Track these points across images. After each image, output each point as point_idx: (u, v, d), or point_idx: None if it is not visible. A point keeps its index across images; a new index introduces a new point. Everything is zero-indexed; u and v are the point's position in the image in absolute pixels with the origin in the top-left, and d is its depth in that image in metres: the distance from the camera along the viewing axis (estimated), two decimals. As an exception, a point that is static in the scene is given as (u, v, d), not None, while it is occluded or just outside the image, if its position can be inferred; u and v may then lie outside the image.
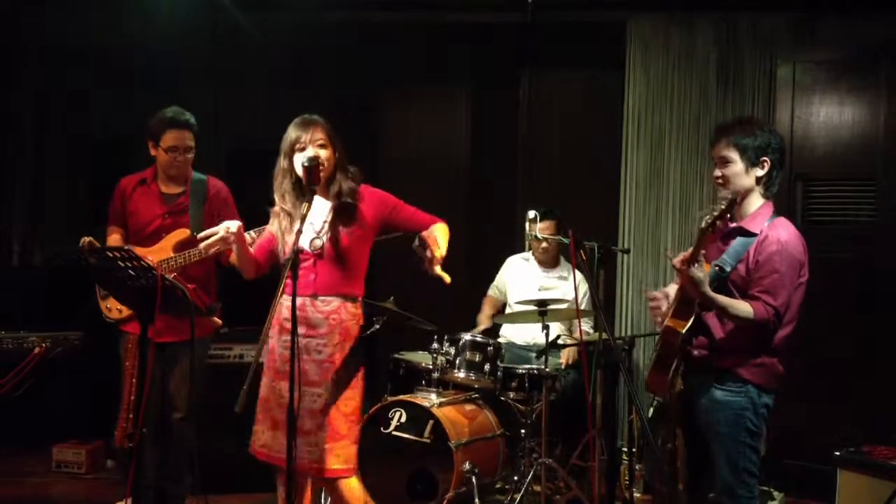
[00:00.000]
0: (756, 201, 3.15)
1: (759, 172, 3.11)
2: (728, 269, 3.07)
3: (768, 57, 5.59)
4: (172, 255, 3.88)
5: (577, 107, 6.37)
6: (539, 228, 4.98)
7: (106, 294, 3.94)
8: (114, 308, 3.93)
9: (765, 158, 3.10)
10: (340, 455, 3.19)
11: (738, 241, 3.10)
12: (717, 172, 3.16)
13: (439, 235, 3.27)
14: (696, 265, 2.94)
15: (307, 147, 3.21)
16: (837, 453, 3.98)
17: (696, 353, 3.14)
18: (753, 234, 3.08)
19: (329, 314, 3.21)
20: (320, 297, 3.21)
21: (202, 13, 5.93)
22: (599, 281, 4.03)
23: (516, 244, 5.44)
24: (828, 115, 5.13)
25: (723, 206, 2.91)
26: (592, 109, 6.31)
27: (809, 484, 4.77)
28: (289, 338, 3.15)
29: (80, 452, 5.22)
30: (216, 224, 3.94)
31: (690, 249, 2.96)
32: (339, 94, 5.94)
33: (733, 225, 3.15)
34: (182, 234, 3.96)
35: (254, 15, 6.11)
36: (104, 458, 5.33)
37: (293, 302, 2.95)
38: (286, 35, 6.20)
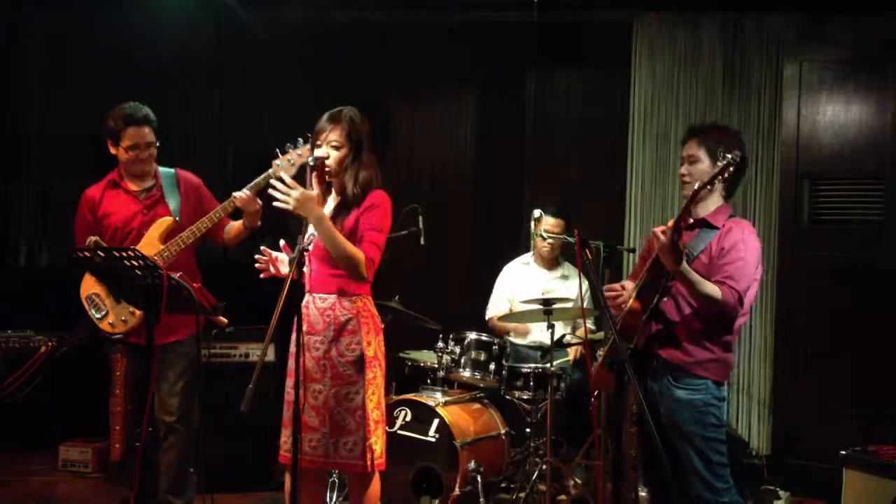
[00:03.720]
0: (716, 201, 3.27)
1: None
2: (692, 256, 3.15)
3: (775, 56, 5.57)
4: (163, 246, 3.83)
5: (582, 106, 6.38)
6: (549, 224, 4.98)
7: (104, 313, 3.82)
8: (117, 321, 3.80)
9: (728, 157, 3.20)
10: (351, 450, 3.19)
11: (702, 232, 3.21)
12: (684, 170, 3.30)
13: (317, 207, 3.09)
14: (679, 234, 3.00)
15: (322, 145, 3.21)
16: (843, 452, 3.97)
17: (654, 347, 3.19)
18: (716, 227, 3.19)
19: (324, 311, 3.22)
20: (316, 294, 3.22)
21: (207, 13, 5.94)
22: (605, 280, 4.02)
23: (522, 243, 5.44)
24: (835, 114, 5.11)
25: (723, 164, 2.96)
26: (598, 108, 6.31)
27: (815, 483, 4.76)
28: (295, 336, 3.19)
29: (86, 451, 5.24)
30: (196, 212, 3.94)
31: (672, 220, 3.00)
32: (343, 94, 5.89)
33: (697, 218, 3.25)
34: (165, 223, 3.90)
35: (259, 15, 6.12)
36: (110, 458, 5.34)
37: (299, 300, 2.96)
38: (291, 35, 6.21)
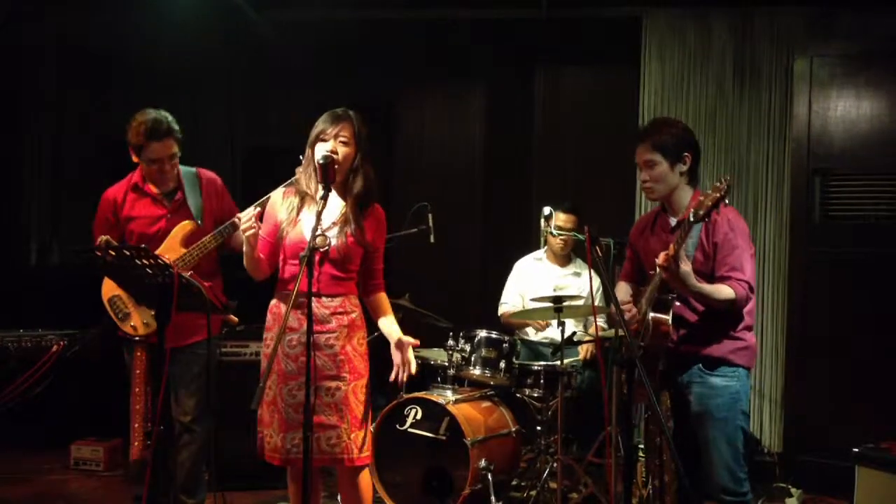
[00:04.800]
0: (686, 193, 3.30)
1: (683, 167, 3.28)
2: (688, 257, 3.15)
3: (785, 51, 5.56)
4: (184, 250, 3.81)
5: (592, 103, 6.36)
6: (561, 220, 4.97)
7: (125, 314, 3.82)
8: (140, 324, 3.79)
9: (686, 154, 3.26)
10: (363, 441, 3.24)
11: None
12: (645, 176, 3.31)
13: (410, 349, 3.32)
14: (682, 260, 3.01)
15: (329, 140, 3.20)
16: (856, 450, 3.96)
17: (681, 347, 3.24)
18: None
19: (335, 309, 3.23)
20: (324, 295, 3.21)
21: (217, 14, 5.96)
22: (615, 277, 4.01)
23: (532, 241, 5.43)
24: (845, 110, 5.10)
25: (718, 195, 2.90)
26: (608, 106, 6.29)
27: (827, 481, 4.74)
28: (292, 336, 3.21)
29: (98, 450, 5.26)
30: (218, 214, 3.93)
31: (672, 246, 3.01)
32: (352, 92, 5.95)
33: (676, 219, 3.29)
34: (187, 226, 3.88)
35: (268, 13, 6.13)
36: (122, 456, 5.36)
37: (309, 300, 2.96)
38: (300, 34, 6.22)
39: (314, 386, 3.13)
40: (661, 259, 3.02)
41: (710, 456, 3.19)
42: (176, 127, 3.89)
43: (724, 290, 3.12)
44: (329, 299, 3.22)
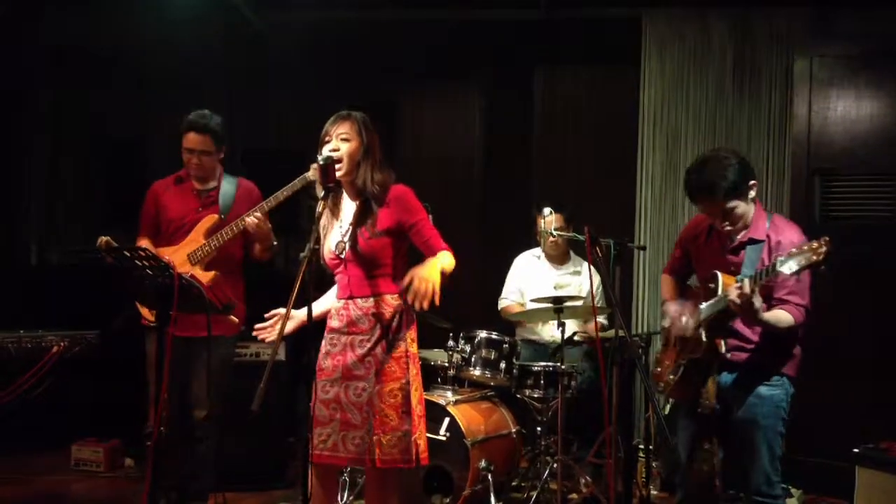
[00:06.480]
0: (750, 211, 3.26)
1: (753, 193, 3.25)
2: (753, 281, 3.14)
3: (785, 51, 5.56)
4: (204, 241, 3.99)
5: (591, 104, 6.36)
6: (547, 221, 4.95)
7: None
8: None
9: (752, 182, 3.23)
10: (395, 445, 3.16)
11: (749, 251, 3.22)
12: (725, 223, 3.23)
13: (429, 267, 3.04)
14: (755, 297, 3.00)
15: (331, 141, 3.19)
16: (856, 450, 3.97)
17: (730, 355, 3.24)
18: (760, 241, 3.20)
19: (368, 310, 3.20)
20: (356, 297, 3.21)
21: (216, 14, 5.96)
22: (615, 278, 4.01)
23: (531, 242, 5.43)
24: (845, 110, 5.10)
25: (816, 259, 2.87)
26: (607, 106, 6.29)
27: (828, 481, 4.74)
28: (333, 336, 3.24)
29: (98, 451, 5.26)
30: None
31: (747, 282, 2.99)
32: (352, 92, 5.95)
33: (738, 238, 3.26)
34: (211, 219, 4.05)
35: (267, 14, 6.12)
36: (122, 457, 5.36)
37: (305, 302, 2.95)
38: (300, 34, 6.22)
39: (344, 384, 3.18)
40: (734, 295, 3.00)
41: (750, 459, 3.24)
42: (217, 128, 4.11)
43: (784, 318, 3.13)
44: (363, 300, 3.21)
